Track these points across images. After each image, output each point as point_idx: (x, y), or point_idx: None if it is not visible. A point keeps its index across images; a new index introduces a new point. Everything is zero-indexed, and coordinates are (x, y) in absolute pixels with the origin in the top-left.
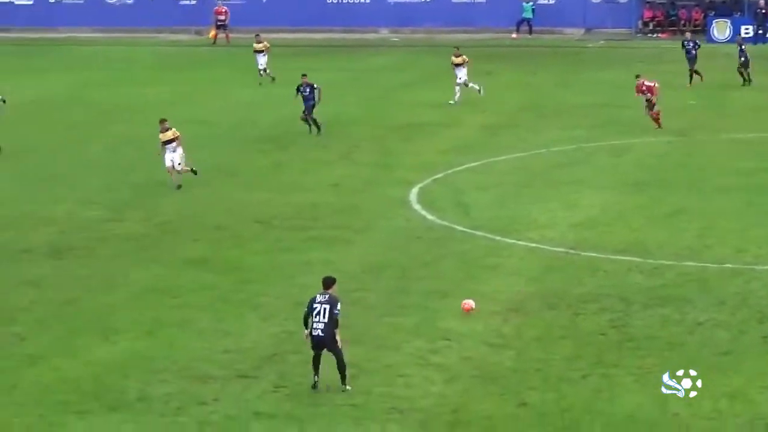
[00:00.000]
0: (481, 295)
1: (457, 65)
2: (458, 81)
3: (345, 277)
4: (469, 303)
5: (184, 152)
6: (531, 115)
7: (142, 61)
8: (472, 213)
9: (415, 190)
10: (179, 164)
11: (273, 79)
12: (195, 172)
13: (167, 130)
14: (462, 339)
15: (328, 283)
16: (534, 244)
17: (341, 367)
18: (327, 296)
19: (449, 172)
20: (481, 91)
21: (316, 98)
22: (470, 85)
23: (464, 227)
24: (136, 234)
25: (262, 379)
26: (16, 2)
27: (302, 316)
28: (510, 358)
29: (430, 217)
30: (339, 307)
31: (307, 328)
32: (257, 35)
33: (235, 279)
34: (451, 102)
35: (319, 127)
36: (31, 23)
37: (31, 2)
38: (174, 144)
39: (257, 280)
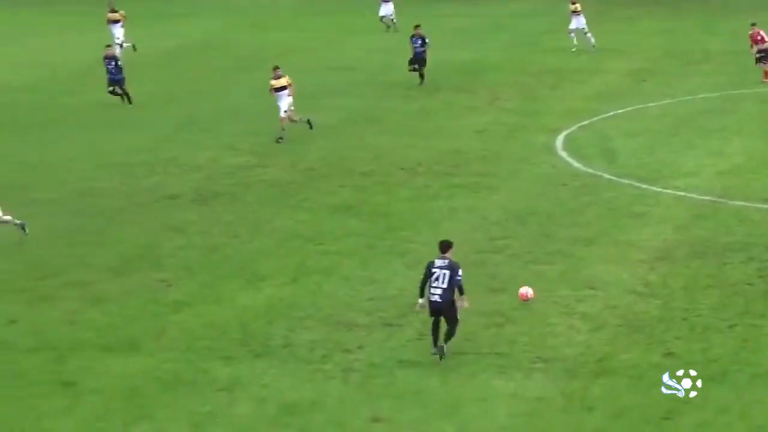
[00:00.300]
0: (627, 244)
1: (574, 12)
2: (572, 27)
3: (489, 224)
4: (527, 292)
5: (293, 101)
6: (676, 61)
7: (283, 7)
8: (618, 160)
9: (560, 137)
10: (285, 111)
11: (389, 28)
12: (311, 125)
13: (280, 77)
14: (607, 287)
15: (446, 247)
16: (681, 192)
17: (450, 334)
18: (446, 261)
19: (595, 119)
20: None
21: (426, 51)
22: (588, 34)
23: (610, 175)
24: (281, 180)
25: (407, 327)
26: None
27: (419, 282)
28: (656, 307)
29: (575, 164)
30: (461, 273)
31: (422, 296)
32: None
33: (380, 225)
34: (573, 50)
35: (423, 78)
36: None
37: None
38: (285, 91)
39: (403, 226)
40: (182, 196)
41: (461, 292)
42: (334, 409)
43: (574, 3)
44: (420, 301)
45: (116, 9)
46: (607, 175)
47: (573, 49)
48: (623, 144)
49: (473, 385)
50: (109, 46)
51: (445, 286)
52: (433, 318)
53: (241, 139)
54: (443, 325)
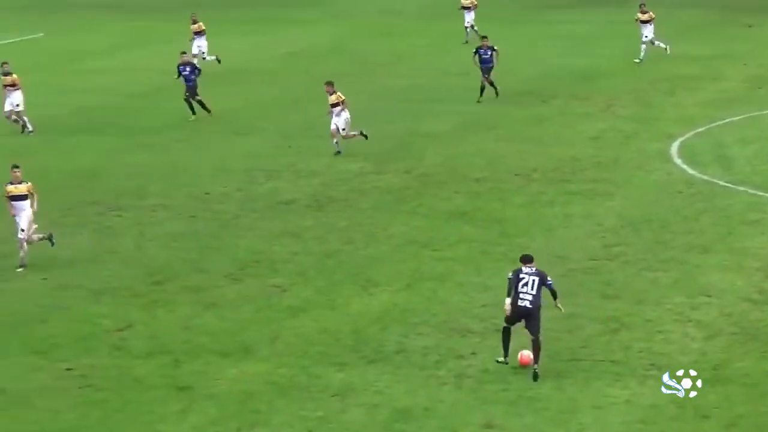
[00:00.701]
0: (742, 251)
1: (644, 22)
2: (644, 39)
3: (604, 231)
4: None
5: (349, 117)
6: None
7: (407, 12)
8: (733, 167)
9: (675, 144)
10: (343, 129)
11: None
12: (365, 136)
13: (332, 93)
14: (722, 295)
15: (529, 259)
16: None
17: (538, 348)
18: (534, 269)
19: (711, 125)
20: (668, 50)
21: (495, 61)
22: (656, 43)
23: (725, 182)
24: (396, 186)
25: (520, 334)
26: None
27: (507, 286)
28: None
29: (690, 171)
30: (550, 278)
31: (509, 295)
32: None
33: (495, 232)
34: (637, 60)
35: (497, 91)
36: None
37: None
38: (339, 108)
39: (517, 233)
40: (298, 202)
41: (555, 296)
42: (446, 415)
43: (644, 13)
44: (508, 300)
45: (197, 20)
46: (722, 182)
47: (636, 60)
48: (738, 151)
49: (587, 391)
50: (184, 53)
51: (534, 292)
52: (508, 324)
53: (358, 146)
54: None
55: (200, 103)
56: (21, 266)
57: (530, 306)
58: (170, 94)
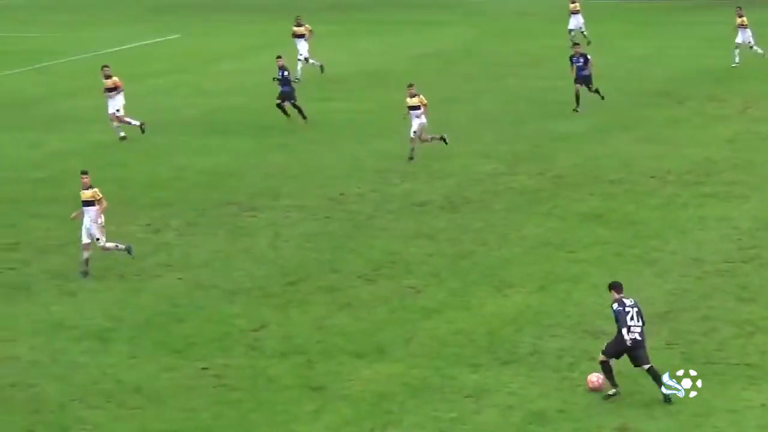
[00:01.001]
0: None
1: (741, 26)
2: (739, 42)
3: (740, 233)
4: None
5: (426, 122)
6: None
7: (539, 14)
8: None
9: None
10: (415, 132)
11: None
12: (445, 141)
13: (413, 96)
14: None
15: (621, 287)
16: None
17: (655, 373)
18: (633, 300)
19: None
20: (766, 55)
21: (589, 69)
22: (754, 48)
23: None
24: (530, 187)
25: (655, 336)
26: None
27: (623, 324)
28: None
29: None
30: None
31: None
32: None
33: (629, 234)
34: (733, 65)
35: (601, 95)
36: None
37: None
38: (419, 111)
39: (652, 235)
40: (432, 203)
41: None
42: (581, 417)
43: (740, 17)
44: (625, 331)
45: (302, 23)
46: None
47: (733, 65)
48: None
49: (723, 395)
50: (279, 57)
51: (641, 323)
52: (615, 358)
53: (492, 147)
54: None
55: (297, 108)
56: (84, 272)
57: (640, 338)
58: (306, 95)
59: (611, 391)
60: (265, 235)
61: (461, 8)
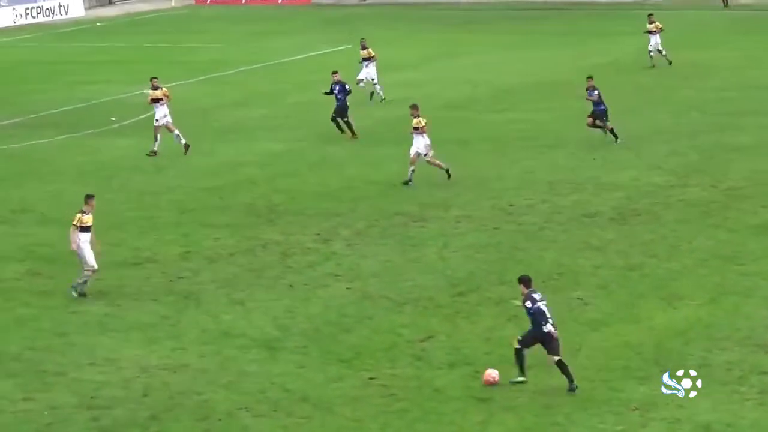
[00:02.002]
0: None
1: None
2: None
3: None
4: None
5: (429, 142)
6: None
7: (715, 25)
8: None
9: None
10: (425, 154)
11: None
12: (449, 175)
13: (416, 117)
14: None
15: (529, 280)
16: None
17: (567, 370)
18: (541, 294)
19: None
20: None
21: (604, 103)
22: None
23: None
24: (701, 199)
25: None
26: None
27: (542, 317)
28: None
29: None
30: None
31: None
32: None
33: None
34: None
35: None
36: None
37: None
38: (417, 132)
39: None
40: (601, 215)
41: None
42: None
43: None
44: (549, 326)
45: (366, 46)
46: None
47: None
48: None
49: None
50: (335, 72)
51: (551, 315)
52: (527, 348)
53: (664, 159)
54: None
55: (348, 124)
56: (81, 294)
57: (555, 330)
58: (481, 106)
59: (520, 378)
60: (434, 246)
61: (637, 20)
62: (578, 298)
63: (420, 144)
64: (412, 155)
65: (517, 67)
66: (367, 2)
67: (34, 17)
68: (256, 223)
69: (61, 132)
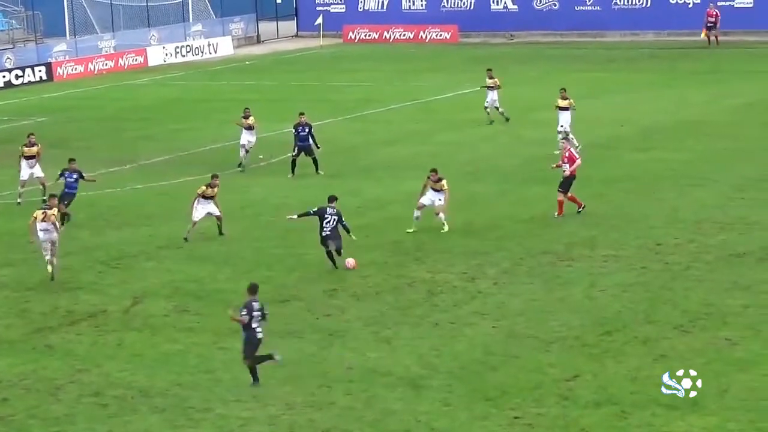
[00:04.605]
0: None
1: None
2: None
3: None
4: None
5: (445, 204)
6: None
7: None
8: None
9: None
10: (438, 214)
11: None
12: (443, 226)
13: (438, 180)
14: None
15: (334, 198)
16: None
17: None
18: (335, 209)
19: None
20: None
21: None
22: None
23: None
24: None
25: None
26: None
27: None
28: None
29: None
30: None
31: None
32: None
33: None
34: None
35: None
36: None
37: None
38: (440, 194)
39: None
40: (750, 255)
41: (348, 231)
42: None
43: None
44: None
45: (493, 75)
46: None
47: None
48: None
49: None
50: (302, 114)
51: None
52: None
53: None
54: None
55: (314, 161)
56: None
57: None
58: (626, 145)
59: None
60: (581, 285)
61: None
62: (726, 339)
63: (435, 198)
64: (420, 201)
65: (661, 106)
66: (514, 41)
67: (183, 56)
68: (403, 261)
69: (210, 170)
